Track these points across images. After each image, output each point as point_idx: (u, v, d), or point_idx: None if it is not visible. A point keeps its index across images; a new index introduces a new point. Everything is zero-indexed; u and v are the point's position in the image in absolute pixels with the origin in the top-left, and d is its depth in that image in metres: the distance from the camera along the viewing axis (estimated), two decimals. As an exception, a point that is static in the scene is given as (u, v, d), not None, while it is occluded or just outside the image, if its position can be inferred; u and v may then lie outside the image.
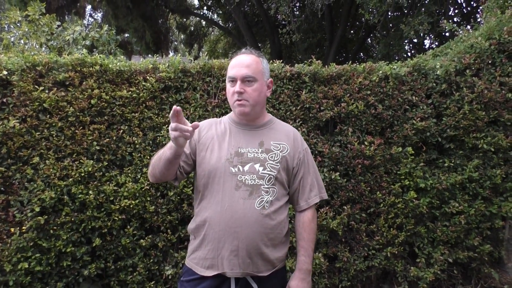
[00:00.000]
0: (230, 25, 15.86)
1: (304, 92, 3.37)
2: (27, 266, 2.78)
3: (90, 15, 16.84)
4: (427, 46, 10.76)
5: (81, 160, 2.98)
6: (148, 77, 3.16)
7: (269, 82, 1.88)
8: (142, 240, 3.06)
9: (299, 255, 1.90)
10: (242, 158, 1.78)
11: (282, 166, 1.81)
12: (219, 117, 2.05)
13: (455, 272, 3.54)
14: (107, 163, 3.06)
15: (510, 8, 3.80)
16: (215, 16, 17.18)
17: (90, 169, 2.96)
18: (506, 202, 3.47)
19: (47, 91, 2.96)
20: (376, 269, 3.43)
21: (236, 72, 1.75)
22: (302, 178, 1.90)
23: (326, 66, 3.53)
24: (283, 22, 8.70)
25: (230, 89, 1.80)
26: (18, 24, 5.08)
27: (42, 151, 2.92)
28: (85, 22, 14.83)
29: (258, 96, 1.81)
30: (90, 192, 2.96)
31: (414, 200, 3.37)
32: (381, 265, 3.40)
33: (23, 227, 2.82)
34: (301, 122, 3.34)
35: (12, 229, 2.81)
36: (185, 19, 17.24)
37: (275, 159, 1.80)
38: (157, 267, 3.10)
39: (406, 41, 9.39)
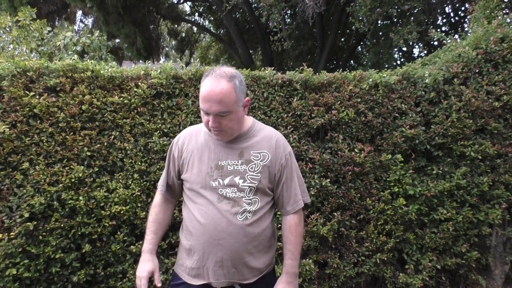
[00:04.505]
0: (222, 31, 15.91)
1: (295, 99, 3.40)
2: (15, 272, 2.74)
3: (81, 21, 16.81)
4: (416, 55, 10.91)
5: (71, 166, 2.96)
6: (139, 83, 3.17)
7: (245, 102, 1.76)
8: (132, 246, 3.04)
9: (286, 258, 1.88)
10: (222, 172, 1.77)
11: (264, 175, 1.79)
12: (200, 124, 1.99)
13: (443, 279, 3.58)
14: (97, 169, 3.05)
15: (497, 18, 3.88)
16: (207, 23, 17.23)
17: (80, 174, 2.95)
18: (493, 209, 3.52)
19: (37, 97, 2.94)
20: (365, 275, 3.45)
21: (209, 108, 1.64)
22: (285, 183, 1.87)
23: (317, 73, 3.56)
24: (275, 30, 8.75)
25: (205, 116, 1.72)
26: (8, 30, 5.06)
27: (32, 156, 2.89)
28: (76, 27, 14.80)
29: (236, 123, 1.75)
30: (81, 198, 2.94)
31: (403, 207, 3.41)
32: (370, 271, 3.43)
33: (12, 233, 2.78)
34: (292, 129, 3.37)
35: (1, 235, 2.77)
36: (176, 25, 17.26)
37: (256, 169, 1.79)
38: (147, 273, 3.08)
39: (395, 49, 9.52)
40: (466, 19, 8.96)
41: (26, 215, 2.80)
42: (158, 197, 2.05)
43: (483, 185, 3.48)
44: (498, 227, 3.68)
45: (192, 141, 1.89)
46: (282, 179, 1.86)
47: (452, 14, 9.98)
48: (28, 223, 2.79)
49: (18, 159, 2.86)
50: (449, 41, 4.33)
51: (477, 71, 3.59)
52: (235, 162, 1.79)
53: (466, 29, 7.19)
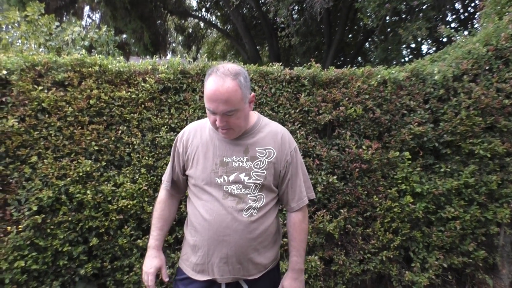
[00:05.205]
0: (229, 27, 15.90)
1: (303, 95, 3.39)
2: (23, 264, 2.77)
3: (88, 16, 16.82)
4: (424, 51, 10.82)
5: (79, 160, 2.98)
6: (147, 78, 3.17)
7: (251, 97, 1.75)
8: (139, 241, 3.06)
9: (291, 255, 1.91)
10: (227, 168, 1.77)
11: (269, 172, 1.79)
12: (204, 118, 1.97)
13: (450, 278, 3.56)
14: (105, 163, 3.06)
15: (508, 14, 3.83)
16: (214, 18, 17.20)
17: (88, 169, 2.96)
18: (502, 208, 3.49)
19: (46, 91, 2.96)
20: (371, 272, 3.44)
21: (215, 108, 1.62)
22: (290, 180, 1.87)
23: (324, 69, 3.54)
24: (282, 25, 8.71)
25: (211, 116, 1.70)
26: (16, 25, 5.08)
27: (40, 150, 2.91)
28: (83, 23, 14.82)
29: (243, 120, 1.73)
30: (88, 192, 2.95)
31: (410, 204, 3.39)
32: (376, 269, 3.42)
33: (20, 226, 2.81)
34: (299, 125, 3.36)
35: (9, 228, 2.80)
36: (183, 21, 17.27)
37: (261, 166, 1.78)
38: (153, 268, 3.10)
39: (404, 46, 9.44)
40: (476, 15, 8.86)
41: (34, 208, 2.82)
42: (163, 193, 2.04)
43: (492, 183, 3.45)
44: (506, 227, 3.65)
45: (197, 136, 1.87)
46: (287, 175, 1.86)
47: (461, 10, 9.88)
48: (36, 216, 2.81)
49: (26, 152, 2.88)
50: (458, 37, 4.28)
51: (487, 68, 3.55)
52: (240, 159, 1.78)
53: (476, 26, 7.11)
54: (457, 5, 9.66)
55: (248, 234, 1.74)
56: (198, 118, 3.15)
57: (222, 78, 1.60)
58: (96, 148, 3.02)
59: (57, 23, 5.18)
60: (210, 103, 1.63)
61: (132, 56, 14.30)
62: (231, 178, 1.76)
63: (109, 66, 3.15)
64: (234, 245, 1.73)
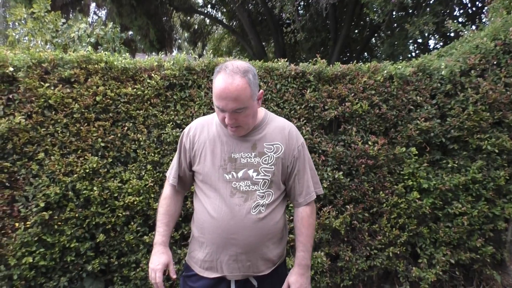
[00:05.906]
0: (234, 23, 15.83)
1: (308, 91, 3.37)
2: (31, 260, 2.80)
3: (95, 13, 16.91)
4: (431, 47, 10.72)
5: (85, 157, 3.00)
6: (153, 75, 3.17)
7: (259, 95, 1.74)
8: (145, 237, 3.07)
9: (298, 250, 1.88)
10: (235, 164, 1.76)
11: (277, 168, 1.78)
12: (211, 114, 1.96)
13: (457, 274, 3.54)
14: (111, 160, 3.07)
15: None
16: (219, 14, 17.15)
17: (94, 165, 2.98)
18: (510, 204, 3.46)
19: (52, 88, 2.97)
20: (378, 268, 3.43)
21: (225, 106, 1.61)
22: (297, 175, 1.85)
23: (330, 65, 3.53)
24: (288, 21, 8.67)
25: (220, 113, 1.69)
26: (23, 21, 5.10)
27: (47, 147, 2.93)
28: (90, 19, 14.88)
29: (251, 118, 1.73)
30: (95, 188, 2.97)
31: (417, 200, 3.37)
32: (383, 265, 3.41)
33: (28, 222, 2.84)
34: (305, 121, 3.35)
35: (17, 224, 2.83)
36: (189, 17, 17.22)
37: (269, 162, 1.77)
38: (160, 263, 3.11)
39: (410, 41, 9.36)
40: (483, 10, 8.77)
41: (42, 204, 2.84)
42: (168, 189, 2.01)
43: (500, 179, 3.42)
44: (514, 222, 3.62)
45: (204, 132, 1.86)
46: (294, 170, 1.84)
47: (469, 5, 9.78)
48: (44, 213, 2.84)
49: (33, 149, 2.91)
50: (466, 32, 4.23)
51: (495, 62, 3.51)
52: (248, 155, 1.77)
53: (484, 20, 7.04)
54: (465, 0, 9.56)
55: (257, 231, 1.74)
56: (204, 114, 3.15)
57: (231, 76, 1.59)
58: (102, 144, 3.03)
59: (63, 20, 5.19)
60: (219, 101, 1.62)
61: (138, 53, 14.32)
62: (240, 174, 1.75)
63: (115, 63, 3.16)
64: (243, 242, 1.73)
